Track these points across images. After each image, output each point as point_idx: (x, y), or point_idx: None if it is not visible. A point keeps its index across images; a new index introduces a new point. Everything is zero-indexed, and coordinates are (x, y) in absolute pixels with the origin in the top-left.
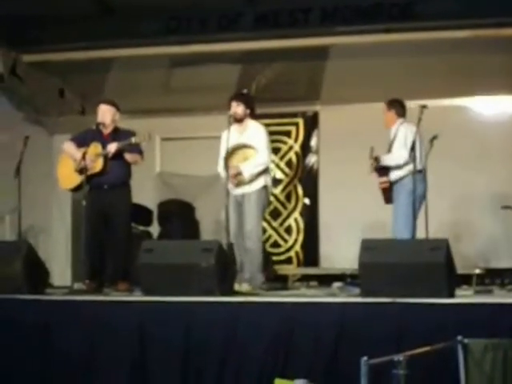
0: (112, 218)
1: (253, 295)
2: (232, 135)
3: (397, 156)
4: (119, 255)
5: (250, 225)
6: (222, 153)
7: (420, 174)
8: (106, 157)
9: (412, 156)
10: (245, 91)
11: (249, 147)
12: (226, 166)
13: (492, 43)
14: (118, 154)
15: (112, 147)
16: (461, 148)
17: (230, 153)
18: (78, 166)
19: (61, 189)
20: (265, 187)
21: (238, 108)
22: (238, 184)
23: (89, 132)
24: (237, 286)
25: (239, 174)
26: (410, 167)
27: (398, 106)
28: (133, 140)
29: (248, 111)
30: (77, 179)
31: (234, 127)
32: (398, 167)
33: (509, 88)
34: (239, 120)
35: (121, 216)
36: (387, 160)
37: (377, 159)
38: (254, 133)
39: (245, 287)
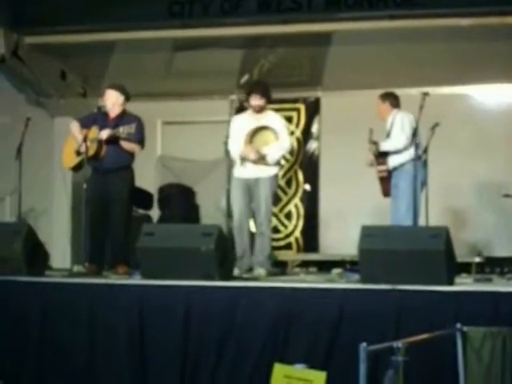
0: (112, 201)
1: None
2: (247, 121)
3: (395, 141)
4: (119, 239)
5: (265, 210)
6: (237, 136)
7: (419, 161)
8: (100, 142)
9: (413, 142)
10: (246, 78)
11: (269, 129)
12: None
13: (494, 31)
14: (115, 140)
15: (104, 134)
16: (461, 136)
17: (251, 135)
18: (78, 147)
19: (62, 168)
20: (276, 175)
21: (260, 101)
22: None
23: (96, 114)
24: (236, 272)
25: (262, 157)
26: (410, 153)
27: (391, 98)
28: (120, 130)
29: (265, 100)
30: (75, 159)
31: (250, 114)
32: (397, 152)
33: (510, 76)
34: (258, 111)
35: (120, 200)
36: (386, 145)
37: (376, 143)
38: (272, 120)
39: (259, 272)
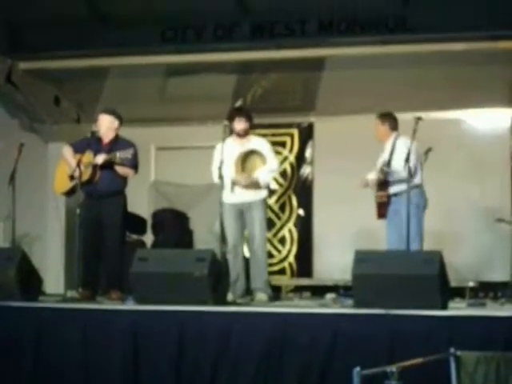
0: (105, 226)
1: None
2: (232, 146)
3: (398, 170)
4: (112, 264)
5: (260, 233)
6: (217, 163)
7: (419, 188)
8: (94, 167)
9: (407, 168)
10: (239, 103)
11: (257, 153)
12: (220, 175)
13: (487, 56)
14: (109, 165)
15: (99, 159)
16: (455, 160)
17: (242, 161)
18: (71, 172)
19: (53, 193)
20: (265, 198)
21: (244, 124)
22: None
23: (89, 139)
24: (230, 296)
25: (254, 182)
26: (414, 180)
27: (391, 119)
28: (117, 155)
29: (249, 124)
30: (68, 184)
31: (234, 139)
32: (400, 181)
33: (503, 101)
34: (243, 135)
35: (114, 225)
36: (394, 175)
37: (386, 173)
38: (258, 143)
39: (261, 297)
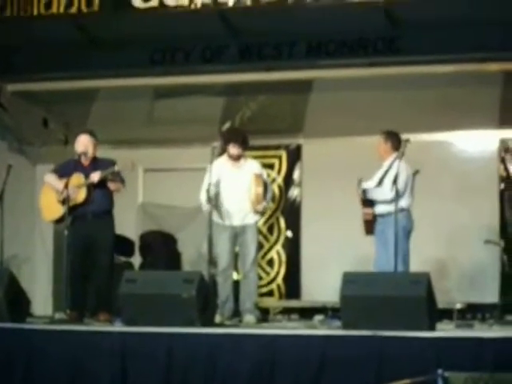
0: (94, 247)
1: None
2: (226, 168)
3: (386, 191)
4: (101, 285)
5: (253, 256)
6: (205, 185)
7: (406, 211)
8: (89, 186)
9: (394, 189)
10: (227, 125)
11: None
12: (209, 197)
13: (475, 78)
14: (101, 183)
15: (95, 176)
16: (443, 182)
17: (261, 184)
18: (60, 196)
19: (44, 221)
20: (258, 221)
21: (238, 150)
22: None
23: (69, 163)
24: (218, 318)
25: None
26: (400, 204)
27: (394, 139)
28: (115, 168)
29: (243, 149)
30: (60, 210)
31: (227, 161)
32: (385, 202)
33: (491, 123)
34: (237, 159)
35: (103, 246)
36: (376, 193)
37: (364, 192)
38: (256, 168)
39: (249, 319)
